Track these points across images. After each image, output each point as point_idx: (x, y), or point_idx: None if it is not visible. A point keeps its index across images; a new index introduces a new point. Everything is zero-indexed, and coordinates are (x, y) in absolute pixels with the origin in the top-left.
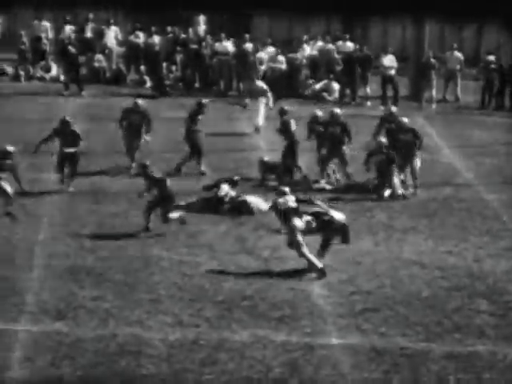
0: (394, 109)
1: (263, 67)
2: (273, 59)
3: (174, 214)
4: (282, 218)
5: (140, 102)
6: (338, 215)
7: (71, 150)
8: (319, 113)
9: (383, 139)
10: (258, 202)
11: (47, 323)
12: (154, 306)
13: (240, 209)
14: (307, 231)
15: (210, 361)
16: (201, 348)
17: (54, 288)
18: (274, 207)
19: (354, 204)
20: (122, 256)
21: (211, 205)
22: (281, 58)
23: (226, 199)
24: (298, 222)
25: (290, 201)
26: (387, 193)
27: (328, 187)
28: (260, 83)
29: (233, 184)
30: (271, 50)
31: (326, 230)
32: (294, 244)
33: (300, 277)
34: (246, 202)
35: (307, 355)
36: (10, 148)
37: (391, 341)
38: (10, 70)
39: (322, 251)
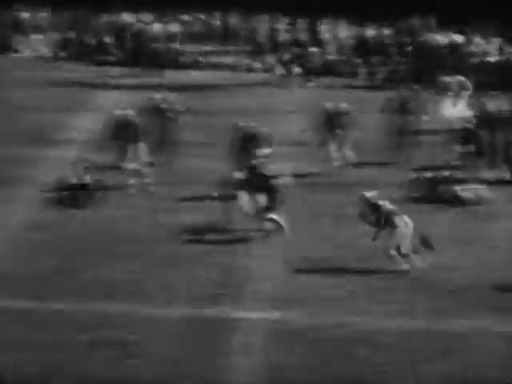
0: None
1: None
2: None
3: (277, 217)
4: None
5: (344, 105)
6: None
7: None
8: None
9: None
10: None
11: (284, 311)
12: (387, 294)
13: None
14: None
15: (442, 350)
16: (432, 337)
17: (290, 276)
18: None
19: None
20: (357, 244)
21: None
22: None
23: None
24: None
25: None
26: None
27: None
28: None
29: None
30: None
31: None
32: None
33: None
34: (457, 193)
35: None
36: None
37: None
38: (244, 61)
39: None
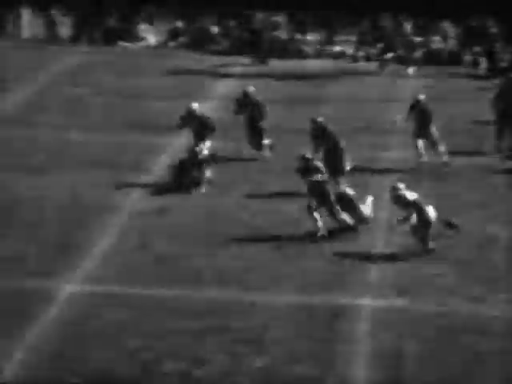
0: None
1: None
2: None
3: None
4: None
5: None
6: None
7: None
8: None
9: None
10: None
11: (390, 299)
12: (494, 283)
13: None
14: None
15: None
16: None
17: (396, 265)
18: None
19: None
20: (462, 233)
21: None
22: None
23: None
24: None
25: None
26: None
27: None
28: None
29: None
30: None
31: None
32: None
33: None
34: None
35: None
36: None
37: None
38: (350, 50)
39: None
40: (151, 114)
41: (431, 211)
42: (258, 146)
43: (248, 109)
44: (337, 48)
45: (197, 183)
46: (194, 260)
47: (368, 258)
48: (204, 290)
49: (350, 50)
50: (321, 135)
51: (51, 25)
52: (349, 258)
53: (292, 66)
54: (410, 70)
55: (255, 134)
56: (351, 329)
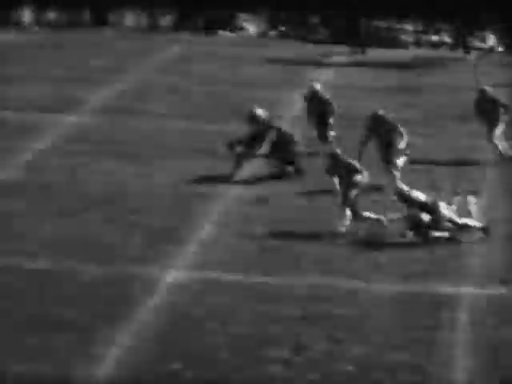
0: None
1: None
2: None
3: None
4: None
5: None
6: None
7: None
8: None
9: None
10: None
11: (492, 287)
12: None
13: None
14: None
15: None
16: None
17: (498, 252)
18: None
19: None
20: None
21: None
22: None
23: None
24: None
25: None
26: None
27: None
28: None
29: None
30: None
31: None
32: None
33: None
34: None
35: None
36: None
37: None
38: (448, 39)
39: None
40: (252, 103)
41: (444, 207)
42: (325, 139)
43: (316, 105)
44: (435, 37)
45: (297, 170)
46: (295, 247)
47: (468, 246)
48: (305, 277)
49: (448, 39)
50: (373, 128)
51: (154, 13)
52: (448, 247)
53: (390, 55)
54: None
55: (323, 128)
56: (452, 317)
